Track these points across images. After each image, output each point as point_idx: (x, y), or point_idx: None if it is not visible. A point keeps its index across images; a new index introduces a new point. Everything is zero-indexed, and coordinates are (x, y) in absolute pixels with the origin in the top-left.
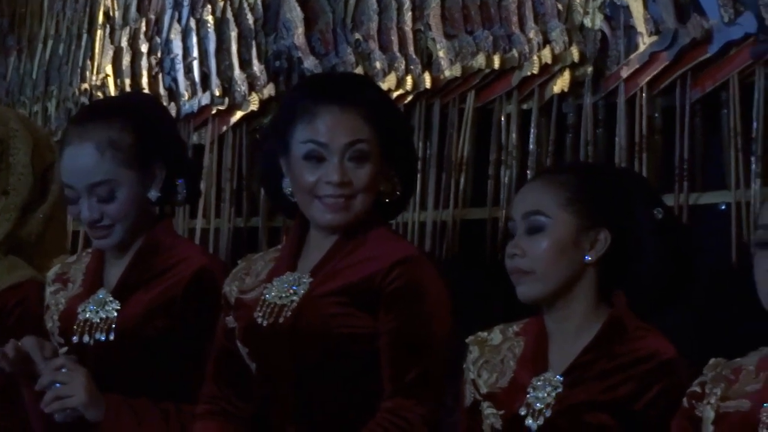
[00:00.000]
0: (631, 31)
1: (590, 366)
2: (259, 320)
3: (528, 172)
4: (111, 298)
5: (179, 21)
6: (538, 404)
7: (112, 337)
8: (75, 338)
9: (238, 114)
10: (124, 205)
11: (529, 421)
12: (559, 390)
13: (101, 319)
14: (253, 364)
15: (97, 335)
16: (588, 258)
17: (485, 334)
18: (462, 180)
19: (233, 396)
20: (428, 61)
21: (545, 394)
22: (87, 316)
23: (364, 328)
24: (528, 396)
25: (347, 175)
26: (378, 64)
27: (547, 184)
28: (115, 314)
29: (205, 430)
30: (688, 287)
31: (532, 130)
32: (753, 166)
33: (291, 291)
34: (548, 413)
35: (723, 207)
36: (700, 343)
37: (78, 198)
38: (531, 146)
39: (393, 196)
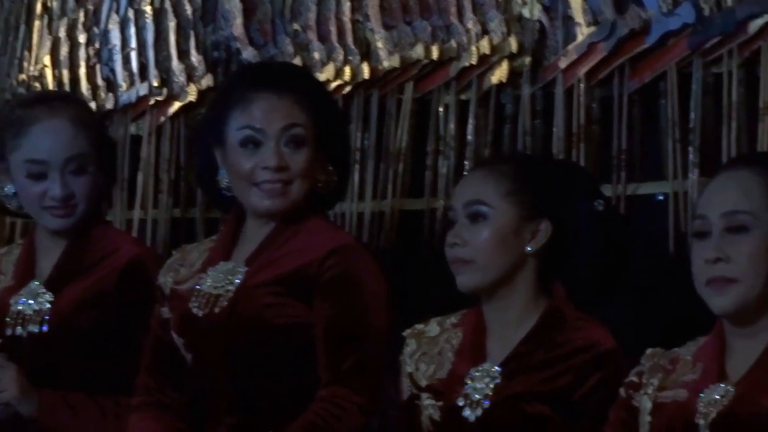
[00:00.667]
0: (569, 21)
1: (529, 356)
2: (195, 310)
3: (466, 162)
4: (44, 289)
5: (117, 11)
6: (476, 395)
7: (45, 329)
8: (8, 331)
9: (176, 105)
10: (92, 183)
11: (467, 412)
12: (498, 381)
13: (34, 311)
14: (189, 354)
15: (31, 327)
16: (529, 249)
17: (422, 326)
18: (400, 170)
19: (169, 387)
20: (366, 52)
21: (483, 385)
22: (20, 308)
23: (300, 318)
24: (466, 387)
25: (284, 160)
26: (316, 55)
27: (489, 173)
28: (48, 305)
29: (141, 421)
30: (627, 278)
31: (470, 121)
32: (691, 157)
33: (226, 281)
34: (486, 404)
35: (661, 197)
36: (639, 333)
37: (46, 174)
38: (469, 137)
39: (329, 186)
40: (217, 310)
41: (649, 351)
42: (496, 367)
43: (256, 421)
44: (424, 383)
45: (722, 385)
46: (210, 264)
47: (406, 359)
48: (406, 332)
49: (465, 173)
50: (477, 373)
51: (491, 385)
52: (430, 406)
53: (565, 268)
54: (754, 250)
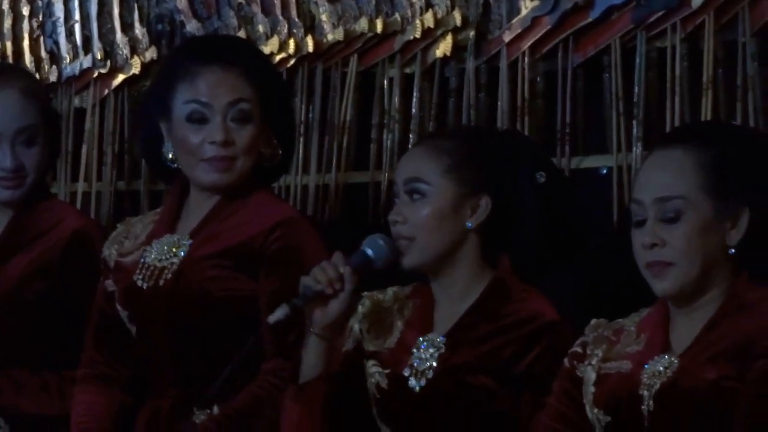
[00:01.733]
0: None
1: (473, 328)
2: (139, 283)
3: (411, 135)
4: None
5: None
6: (421, 365)
7: None
8: None
9: (120, 77)
10: (41, 155)
11: (412, 382)
12: (442, 351)
13: None
14: (133, 327)
15: None
16: (469, 224)
17: (379, 294)
18: (345, 143)
19: (113, 360)
20: (311, 25)
21: (428, 355)
22: None
23: (245, 291)
24: (412, 357)
25: (230, 135)
26: (260, 28)
27: (429, 150)
28: None
29: (85, 394)
30: (572, 250)
31: (414, 94)
32: (634, 130)
33: (171, 253)
34: (430, 374)
35: (605, 171)
36: (583, 305)
37: None
38: (413, 110)
39: (273, 159)
40: (161, 282)
41: (593, 322)
42: (441, 338)
43: (200, 393)
44: (371, 348)
45: (666, 357)
46: (154, 236)
47: (359, 317)
48: (365, 293)
49: (409, 146)
50: (423, 344)
51: (435, 356)
52: (377, 374)
53: (509, 240)
54: (689, 233)
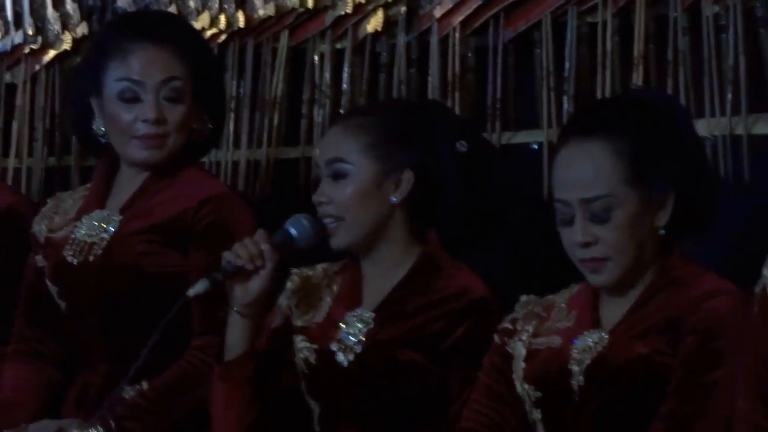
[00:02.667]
0: None
1: (401, 303)
2: (69, 258)
3: (341, 111)
4: None
5: None
6: (349, 340)
7: None
8: None
9: (52, 53)
10: None
11: (340, 357)
12: (370, 326)
13: None
14: (63, 302)
15: None
16: (394, 199)
17: (309, 270)
18: (275, 119)
19: (43, 335)
20: (242, 1)
21: (356, 330)
22: None
23: (175, 266)
24: (340, 331)
25: (162, 113)
26: (191, 3)
27: (348, 129)
28: None
29: (14, 370)
30: (499, 220)
31: (345, 70)
32: (565, 105)
33: (100, 229)
34: (358, 349)
35: (535, 146)
36: (513, 280)
37: None
38: (344, 85)
39: (203, 135)
40: (91, 258)
41: (523, 298)
42: (369, 313)
43: (129, 368)
44: (299, 324)
45: (596, 332)
46: (84, 212)
47: (288, 293)
48: (294, 270)
49: None
50: (351, 319)
51: (364, 331)
52: (305, 349)
53: (435, 213)
54: (620, 227)
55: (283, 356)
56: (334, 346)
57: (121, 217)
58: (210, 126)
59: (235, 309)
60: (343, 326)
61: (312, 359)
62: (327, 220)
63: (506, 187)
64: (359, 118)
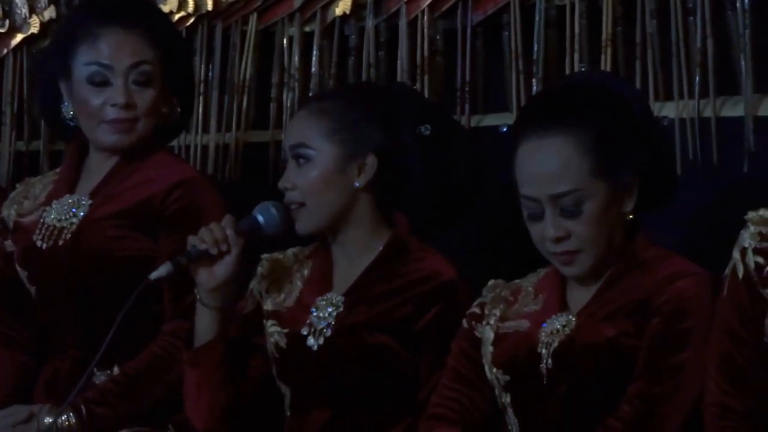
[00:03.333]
0: None
1: (371, 286)
2: (39, 243)
3: (311, 94)
4: None
5: None
6: (319, 324)
7: None
8: None
9: (19, 37)
10: None
11: (310, 341)
12: (340, 310)
13: None
14: (33, 287)
15: None
16: (357, 184)
17: (279, 254)
18: (244, 102)
19: (13, 321)
20: None
21: (326, 314)
22: None
23: (144, 251)
24: (311, 315)
25: (132, 97)
26: None
27: (311, 114)
28: None
29: None
30: (466, 202)
31: (314, 53)
32: (534, 88)
33: (70, 213)
34: (328, 333)
35: (505, 129)
36: (483, 264)
37: None
38: (313, 69)
39: (172, 119)
40: (60, 242)
41: (491, 282)
42: (339, 297)
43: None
44: (270, 308)
45: (564, 315)
46: (54, 197)
47: (258, 278)
48: (264, 255)
49: None
50: (322, 302)
51: (334, 314)
52: (275, 333)
53: (402, 198)
54: (591, 220)
55: (255, 341)
56: (304, 330)
57: (90, 201)
58: (179, 110)
59: (199, 296)
60: (314, 310)
61: (282, 343)
62: (292, 206)
63: (475, 169)
64: (323, 102)
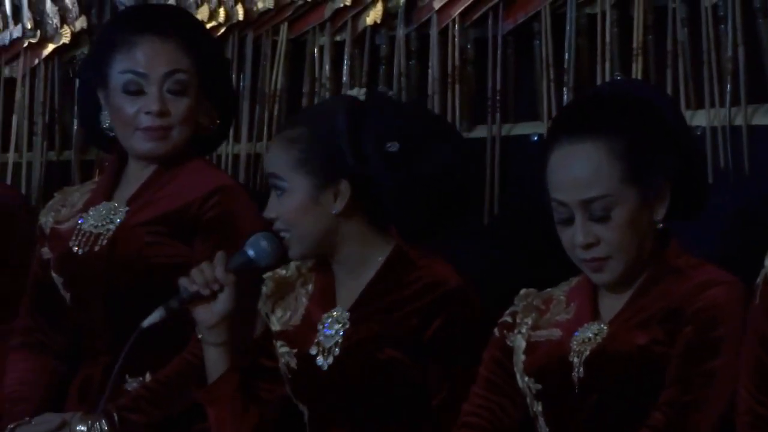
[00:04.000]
0: None
1: (375, 300)
2: (75, 249)
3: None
4: None
5: None
6: (327, 342)
7: None
8: None
9: (50, 47)
10: None
11: (320, 360)
12: (347, 326)
13: None
14: (68, 294)
15: None
16: (335, 211)
17: (282, 270)
18: (275, 112)
19: (48, 327)
20: None
21: (333, 332)
22: None
23: (180, 257)
24: (318, 334)
25: (166, 105)
26: None
27: (280, 144)
28: None
29: (19, 363)
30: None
31: (345, 62)
32: (565, 97)
33: (107, 220)
34: (337, 351)
35: (536, 138)
36: (514, 272)
37: None
38: (344, 78)
39: (210, 130)
40: (96, 248)
41: (522, 291)
42: (345, 313)
43: (132, 361)
44: (278, 328)
45: (595, 324)
46: (91, 204)
47: (263, 299)
48: (267, 274)
49: None
50: (328, 320)
51: (341, 332)
52: (285, 354)
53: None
54: (621, 226)
55: (267, 365)
56: (313, 350)
57: (127, 208)
58: (218, 121)
59: (201, 336)
60: (321, 328)
61: (293, 364)
62: (281, 234)
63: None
64: (290, 131)
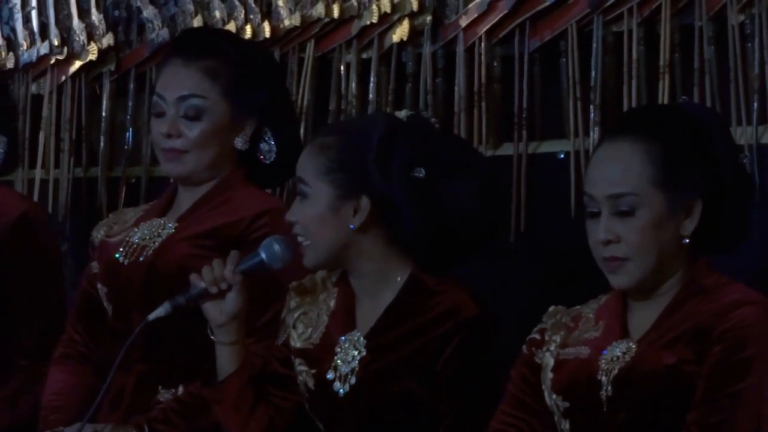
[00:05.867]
0: None
1: (392, 329)
2: (120, 259)
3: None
4: None
5: None
6: (343, 368)
7: None
8: None
9: (77, 64)
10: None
11: (336, 386)
12: (363, 354)
13: None
14: (110, 305)
15: None
16: (352, 226)
17: (308, 281)
18: (302, 129)
19: (90, 340)
20: (268, 10)
21: (350, 358)
22: None
23: None
24: (335, 356)
25: (175, 128)
26: (217, 13)
27: (312, 150)
28: None
29: (59, 374)
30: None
31: (371, 79)
32: (592, 115)
33: (155, 234)
34: (353, 380)
35: (562, 156)
36: (537, 292)
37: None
38: (371, 95)
39: (269, 157)
40: (141, 258)
41: (551, 309)
42: (362, 339)
43: (165, 371)
44: (298, 345)
45: (624, 342)
46: (143, 220)
47: (287, 310)
48: (292, 284)
49: None
50: (346, 344)
51: (357, 359)
52: (304, 373)
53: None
54: (643, 228)
55: (284, 372)
56: (330, 375)
57: (177, 224)
58: (275, 149)
59: (212, 335)
60: (338, 351)
61: (311, 384)
62: (299, 239)
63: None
64: (324, 138)
